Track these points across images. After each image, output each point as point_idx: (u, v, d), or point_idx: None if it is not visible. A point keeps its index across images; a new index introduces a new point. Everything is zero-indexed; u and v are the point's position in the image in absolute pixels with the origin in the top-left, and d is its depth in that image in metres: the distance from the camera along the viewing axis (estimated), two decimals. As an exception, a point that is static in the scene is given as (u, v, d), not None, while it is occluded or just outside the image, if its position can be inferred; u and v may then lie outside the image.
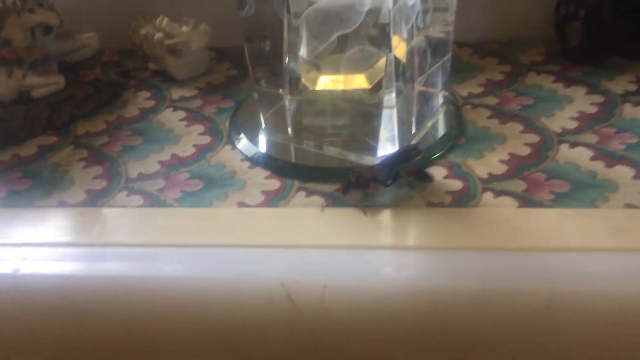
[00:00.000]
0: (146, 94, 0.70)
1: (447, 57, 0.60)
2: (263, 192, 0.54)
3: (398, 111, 0.55)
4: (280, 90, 0.57)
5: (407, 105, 0.58)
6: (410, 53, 0.55)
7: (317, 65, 0.58)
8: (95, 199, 0.54)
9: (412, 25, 0.54)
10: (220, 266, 0.46)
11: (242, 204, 0.53)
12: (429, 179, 0.52)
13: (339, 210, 0.51)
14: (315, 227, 0.49)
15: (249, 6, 0.58)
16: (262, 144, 0.60)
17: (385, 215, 0.50)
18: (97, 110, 0.67)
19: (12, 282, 0.46)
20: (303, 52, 0.57)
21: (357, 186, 0.51)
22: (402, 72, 0.54)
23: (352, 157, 0.57)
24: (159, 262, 0.48)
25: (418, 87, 0.57)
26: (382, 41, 0.53)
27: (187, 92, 0.70)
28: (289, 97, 0.57)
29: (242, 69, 0.74)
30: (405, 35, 0.53)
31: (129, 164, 0.59)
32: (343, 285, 0.44)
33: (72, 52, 0.70)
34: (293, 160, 0.57)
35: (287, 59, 0.56)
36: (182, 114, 0.66)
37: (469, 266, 0.43)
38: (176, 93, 0.70)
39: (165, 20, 0.70)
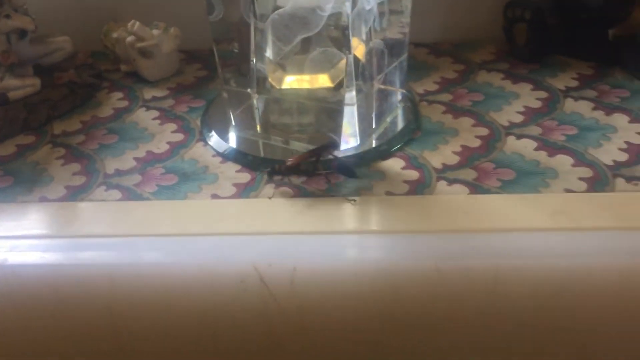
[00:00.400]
0: (119, 94, 0.74)
1: (404, 57, 0.65)
2: (235, 184, 0.58)
3: (359, 108, 0.59)
4: (248, 90, 0.61)
5: (367, 103, 0.62)
6: (369, 54, 0.59)
7: (282, 65, 0.62)
8: (75, 194, 0.58)
9: (370, 28, 0.58)
10: (196, 253, 0.50)
11: (215, 196, 0.56)
12: (352, 173, 0.56)
13: (305, 200, 0.55)
14: (283, 215, 0.53)
15: (217, 11, 0.62)
16: (233, 140, 0.63)
17: (348, 203, 0.54)
18: (72, 111, 0.70)
19: (0, 271, 0.49)
20: (269, 53, 0.61)
21: (280, 173, 0.56)
22: (361, 72, 0.59)
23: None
24: (138, 251, 0.51)
25: (377, 85, 0.62)
26: (342, 43, 0.57)
27: (159, 93, 0.73)
28: (256, 96, 0.61)
29: (210, 70, 0.77)
30: (364, 37, 0.58)
31: (106, 160, 0.62)
32: (311, 267, 0.48)
33: (46, 55, 0.73)
34: (262, 155, 0.61)
35: (254, 60, 0.60)
36: (154, 113, 0.70)
37: (425, 248, 0.48)
38: (148, 93, 0.73)
39: (137, 24, 0.73)
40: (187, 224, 0.53)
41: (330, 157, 0.58)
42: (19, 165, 0.62)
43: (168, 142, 0.64)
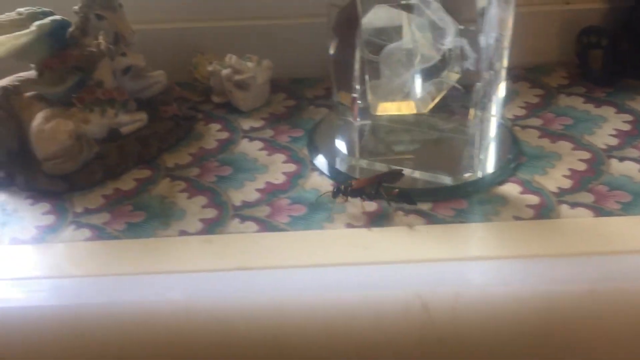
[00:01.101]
0: (217, 125, 0.76)
1: (504, 84, 0.68)
2: (365, 212, 0.60)
3: (466, 135, 0.63)
4: (358, 119, 0.64)
5: (473, 130, 0.65)
6: (476, 82, 0.62)
7: (391, 93, 0.65)
8: (212, 227, 0.60)
9: (478, 57, 0.62)
10: (359, 282, 0.53)
11: (350, 225, 0.59)
12: (411, 201, 0.60)
13: (440, 226, 0.58)
14: (430, 243, 0.56)
15: (334, 43, 0.65)
16: (347, 168, 0.66)
17: (483, 229, 0.57)
18: (178, 144, 0.72)
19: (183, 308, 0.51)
20: (380, 83, 0.65)
21: (345, 193, 0.60)
22: (469, 100, 0.62)
23: (428, 178, 0.64)
24: (301, 282, 0.53)
25: (482, 112, 0.65)
26: (451, 71, 0.61)
27: (254, 123, 0.76)
28: (368, 123, 0.64)
29: (297, 99, 0.80)
30: (472, 67, 0.61)
31: (229, 192, 0.64)
32: (471, 294, 0.51)
33: (144, 89, 0.74)
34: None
35: (364, 89, 0.63)
36: (259, 144, 0.72)
37: (580, 270, 0.51)
38: (245, 124, 0.76)
39: (234, 57, 0.75)
40: (339, 253, 0.56)
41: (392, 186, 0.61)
42: (145, 199, 0.64)
43: (284, 173, 0.67)
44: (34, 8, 0.68)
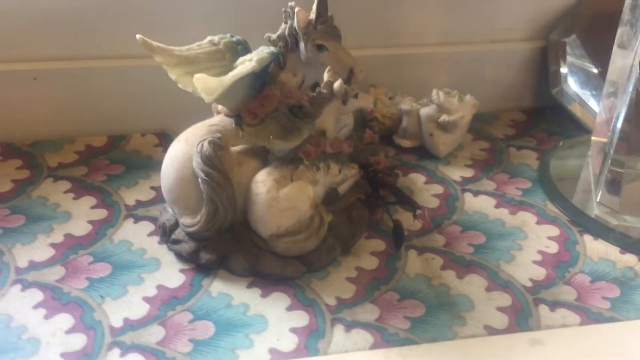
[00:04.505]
0: (420, 177, 0.63)
1: None
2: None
3: None
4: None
5: None
6: None
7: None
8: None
9: None
10: None
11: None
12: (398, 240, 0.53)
13: None
14: None
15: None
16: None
17: None
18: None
19: None
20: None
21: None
22: None
23: None
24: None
25: None
26: None
27: (462, 172, 0.63)
28: None
29: (487, 140, 0.68)
30: None
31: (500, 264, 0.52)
32: None
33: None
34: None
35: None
36: (489, 200, 0.59)
37: None
38: (452, 173, 0.63)
39: (441, 94, 0.62)
40: None
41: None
42: (410, 282, 0.50)
43: (550, 238, 0.55)
44: (227, 36, 0.53)
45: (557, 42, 0.69)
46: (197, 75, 0.46)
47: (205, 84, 0.46)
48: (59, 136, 0.66)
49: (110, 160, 0.63)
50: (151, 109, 0.66)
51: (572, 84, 0.69)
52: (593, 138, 0.63)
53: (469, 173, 0.63)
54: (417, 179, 0.62)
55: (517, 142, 0.68)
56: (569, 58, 0.69)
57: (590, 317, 0.47)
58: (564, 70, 0.69)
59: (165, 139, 0.66)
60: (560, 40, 0.69)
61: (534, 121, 0.72)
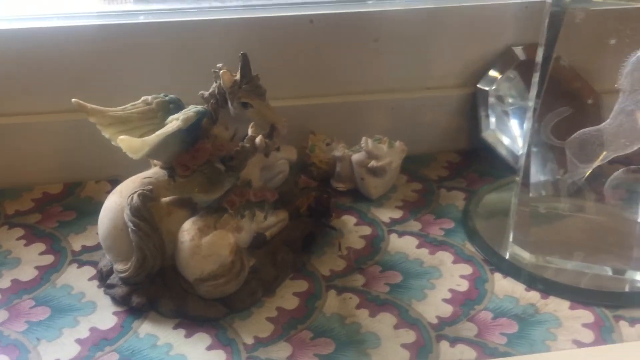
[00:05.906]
0: (351, 218, 0.67)
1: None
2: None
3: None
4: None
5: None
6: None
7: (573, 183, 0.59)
8: (417, 355, 0.51)
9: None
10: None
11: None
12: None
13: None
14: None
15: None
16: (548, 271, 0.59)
17: None
18: (323, 243, 0.63)
19: None
20: (568, 174, 0.59)
21: None
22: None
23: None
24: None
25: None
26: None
27: (393, 213, 0.68)
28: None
29: (420, 181, 0.72)
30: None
31: (413, 304, 0.56)
32: None
33: (270, 180, 0.65)
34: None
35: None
36: (412, 240, 0.64)
37: None
38: (382, 215, 0.67)
39: (370, 141, 0.67)
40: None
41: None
42: (321, 321, 0.54)
43: (462, 276, 0.59)
44: (160, 96, 0.58)
45: (482, 90, 0.74)
46: (120, 137, 0.51)
47: (129, 145, 0.51)
48: (20, 184, 0.71)
49: (63, 207, 0.68)
50: (105, 157, 0.71)
51: (498, 129, 0.73)
52: (517, 178, 0.67)
53: (398, 214, 0.67)
54: (349, 220, 0.67)
55: (448, 184, 0.73)
56: (495, 105, 0.73)
57: (487, 352, 0.51)
58: (491, 116, 0.73)
59: (116, 185, 0.70)
60: (486, 88, 0.74)
61: (467, 163, 0.76)
